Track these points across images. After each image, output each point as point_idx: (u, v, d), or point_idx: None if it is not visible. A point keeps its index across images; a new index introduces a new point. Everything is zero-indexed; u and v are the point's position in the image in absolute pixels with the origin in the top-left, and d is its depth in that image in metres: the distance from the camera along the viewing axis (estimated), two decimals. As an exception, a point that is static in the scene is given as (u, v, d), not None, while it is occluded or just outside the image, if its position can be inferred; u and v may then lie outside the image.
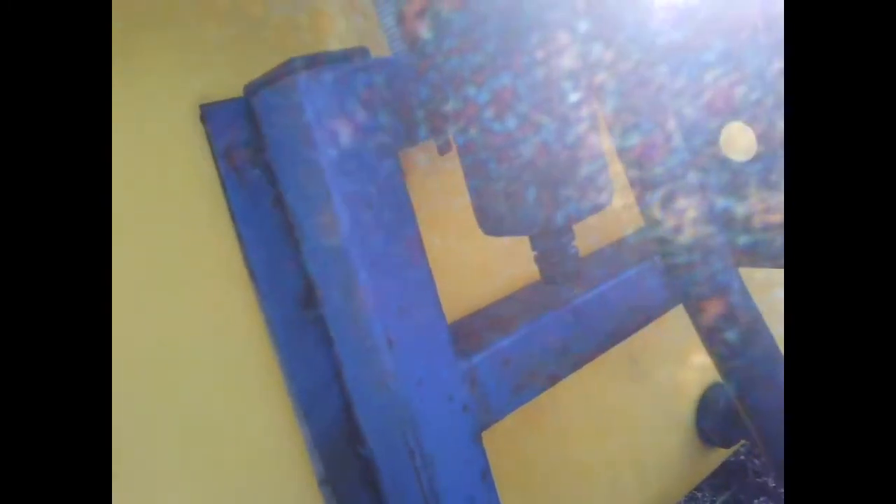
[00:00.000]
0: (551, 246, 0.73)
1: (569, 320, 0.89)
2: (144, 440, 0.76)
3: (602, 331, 0.93)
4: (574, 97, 0.72)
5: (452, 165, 0.85)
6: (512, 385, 0.85)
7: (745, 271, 0.74)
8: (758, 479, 1.75)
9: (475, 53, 0.72)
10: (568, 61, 0.71)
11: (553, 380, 0.90)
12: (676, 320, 1.22)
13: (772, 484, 1.67)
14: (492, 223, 0.72)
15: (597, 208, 0.73)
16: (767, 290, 0.96)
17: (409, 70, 0.74)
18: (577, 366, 0.91)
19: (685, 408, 1.36)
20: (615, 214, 0.76)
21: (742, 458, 1.76)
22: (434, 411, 0.79)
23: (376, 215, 0.73)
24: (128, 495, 0.75)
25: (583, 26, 0.72)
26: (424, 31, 0.77)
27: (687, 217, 0.70)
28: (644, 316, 0.99)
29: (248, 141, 0.78)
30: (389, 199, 0.74)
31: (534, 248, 0.74)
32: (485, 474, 0.83)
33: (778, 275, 0.93)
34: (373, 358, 0.77)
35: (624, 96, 0.69)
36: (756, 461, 1.82)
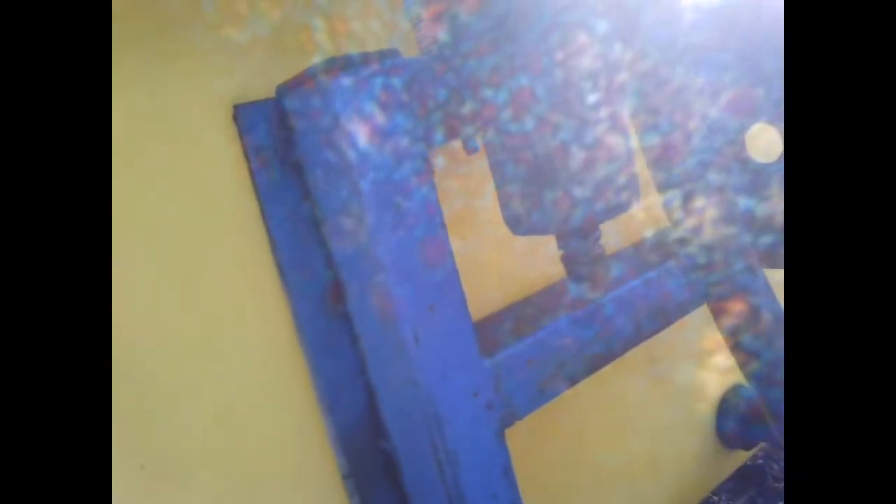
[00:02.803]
0: (577, 245, 0.74)
1: (592, 320, 0.89)
2: (172, 430, 0.77)
3: (624, 331, 0.93)
4: (596, 98, 0.72)
5: (478, 165, 0.86)
6: (535, 384, 0.86)
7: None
8: (776, 484, 1.74)
9: (493, 55, 0.73)
10: (589, 62, 0.72)
11: (575, 379, 0.90)
12: (696, 322, 1.23)
13: None
14: (518, 222, 0.73)
15: (622, 209, 0.73)
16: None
17: (437, 71, 0.75)
18: (599, 366, 0.91)
19: (705, 409, 1.36)
20: (637, 215, 0.76)
21: (760, 462, 1.75)
22: (458, 408, 0.80)
23: (404, 215, 0.74)
24: (156, 484, 0.76)
25: (603, 27, 0.72)
26: (443, 33, 0.78)
27: (708, 217, 0.71)
28: (666, 317, 1.00)
29: (278, 141, 0.79)
30: (417, 199, 0.75)
31: (560, 247, 0.74)
32: (507, 471, 0.84)
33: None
34: (399, 354, 0.78)
35: (644, 96, 0.70)
36: (775, 465, 1.81)
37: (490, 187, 0.80)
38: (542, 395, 0.87)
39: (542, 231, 0.72)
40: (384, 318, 0.77)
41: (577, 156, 0.70)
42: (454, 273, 0.78)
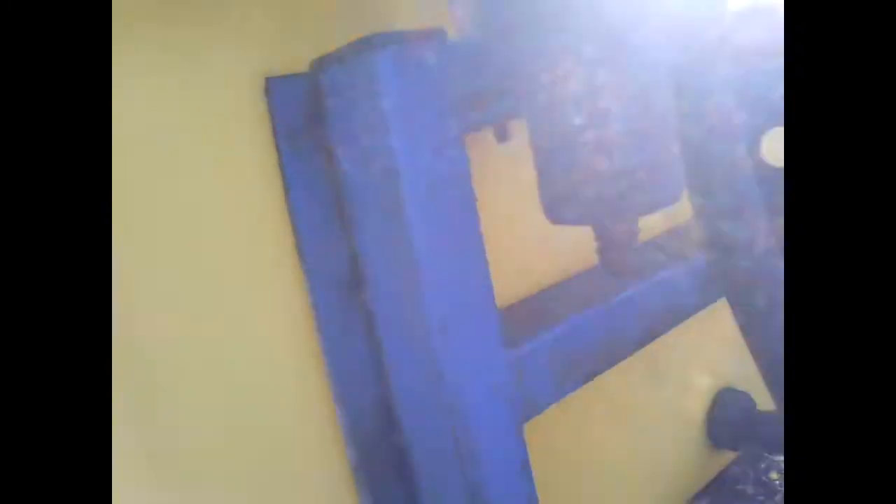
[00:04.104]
0: (613, 237, 0.72)
1: (612, 315, 0.89)
2: (183, 415, 0.74)
3: (641, 327, 0.93)
4: (639, 91, 0.72)
5: (509, 152, 0.85)
6: (555, 378, 0.85)
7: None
8: (736, 487, 1.77)
9: (535, 41, 0.71)
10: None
11: (592, 374, 0.90)
12: (694, 323, 1.24)
13: (750, 491, 1.69)
14: (557, 211, 0.71)
15: (663, 203, 0.73)
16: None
17: (481, 54, 0.74)
18: (616, 361, 0.91)
19: (697, 409, 1.37)
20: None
21: (736, 468, 1.78)
22: (480, 400, 0.78)
23: (441, 200, 0.72)
24: (165, 472, 0.73)
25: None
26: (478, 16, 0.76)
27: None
28: (678, 315, 1.00)
29: (309, 117, 0.76)
30: (454, 183, 0.73)
31: (597, 237, 0.73)
32: (525, 465, 0.83)
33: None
34: (423, 345, 0.76)
35: None
36: (736, 468, 1.84)
37: (516, 174, 0.79)
38: (560, 390, 0.86)
39: (581, 221, 0.70)
40: (411, 306, 0.75)
41: (619, 148, 0.69)
42: (484, 261, 0.76)
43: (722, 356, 1.40)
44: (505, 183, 0.90)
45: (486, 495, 0.79)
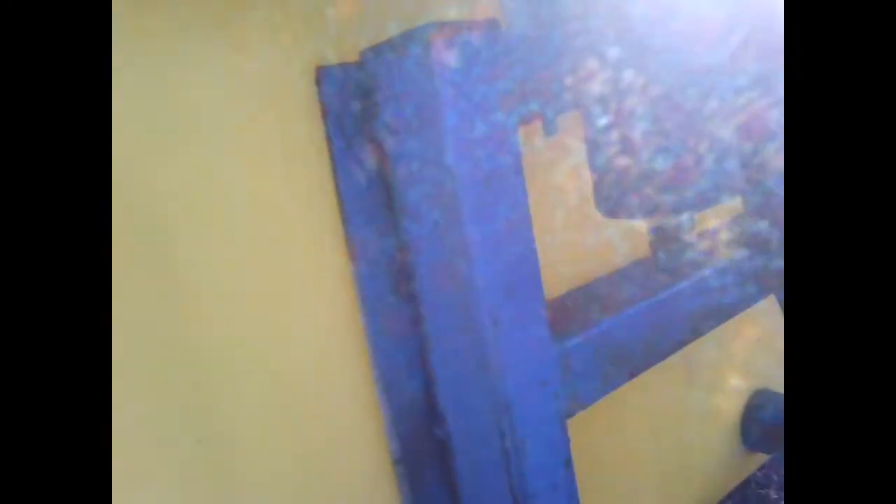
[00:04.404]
0: (668, 232, 0.72)
1: (657, 312, 0.88)
2: (230, 405, 0.75)
3: (685, 326, 0.92)
4: (697, 94, 0.71)
5: (558, 145, 0.84)
6: (600, 374, 0.85)
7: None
8: (760, 491, 1.75)
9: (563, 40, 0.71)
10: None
11: (636, 372, 0.89)
12: (731, 324, 1.22)
13: (773, 496, 1.68)
14: (611, 205, 0.71)
15: (714, 200, 0.72)
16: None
17: (531, 44, 0.73)
18: (660, 359, 0.90)
19: (732, 411, 1.36)
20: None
21: (759, 473, 1.76)
22: (528, 394, 0.78)
23: (493, 192, 0.72)
24: (212, 459, 0.74)
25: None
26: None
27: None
28: (721, 314, 0.99)
29: (360, 107, 0.76)
30: (506, 175, 0.72)
31: (651, 231, 0.73)
32: (568, 462, 0.83)
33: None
34: (473, 338, 0.76)
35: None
36: (758, 472, 1.82)
37: (564, 166, 0.79)
38: (605, 386, 0.86)
39: (634, 216, 0.70)
40: (462, 299, 0.75)
41: (673, 146, 0.69)
42: (534, 254, 0.76)
43: (757, 357, 1.38)
44: (552, 175, 0.90)
45: (530, 488, 0.79)
